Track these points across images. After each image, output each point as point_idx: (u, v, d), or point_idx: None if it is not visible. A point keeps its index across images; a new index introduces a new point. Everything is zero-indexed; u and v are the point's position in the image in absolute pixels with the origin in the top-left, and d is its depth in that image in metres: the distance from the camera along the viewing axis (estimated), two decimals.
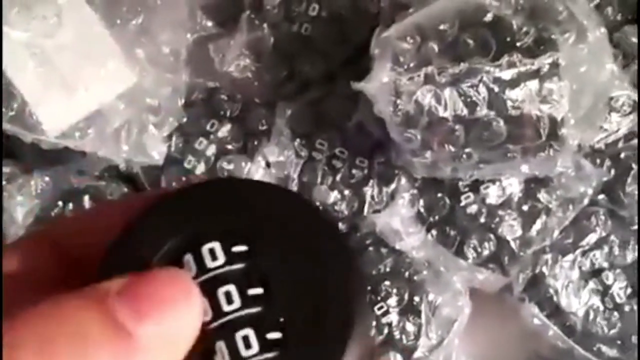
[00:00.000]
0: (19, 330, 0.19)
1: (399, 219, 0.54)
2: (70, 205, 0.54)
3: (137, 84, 0.52)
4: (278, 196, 0.24)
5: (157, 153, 0.53)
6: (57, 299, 0.20)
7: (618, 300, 0.54)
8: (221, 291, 0.22)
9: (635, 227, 0.55)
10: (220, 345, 0.22)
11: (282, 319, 0.22)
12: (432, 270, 0.54)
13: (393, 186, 0.55)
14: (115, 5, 0.53)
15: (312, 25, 0.57)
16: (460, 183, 0.54)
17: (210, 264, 0.22)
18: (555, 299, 0.54)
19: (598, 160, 0.56)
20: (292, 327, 0.22)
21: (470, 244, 0.54)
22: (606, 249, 0.55)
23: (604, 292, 0.54)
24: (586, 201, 0.54)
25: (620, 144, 0.56)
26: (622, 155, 0.56)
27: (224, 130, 0.56)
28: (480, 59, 0.47)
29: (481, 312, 0.54)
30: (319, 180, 0.55)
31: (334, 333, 0.21)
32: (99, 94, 0.51)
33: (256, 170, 0.55)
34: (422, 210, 0.55)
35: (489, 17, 0.48)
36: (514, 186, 0.54)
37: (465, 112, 0.48)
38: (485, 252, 0.54)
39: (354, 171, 0.55)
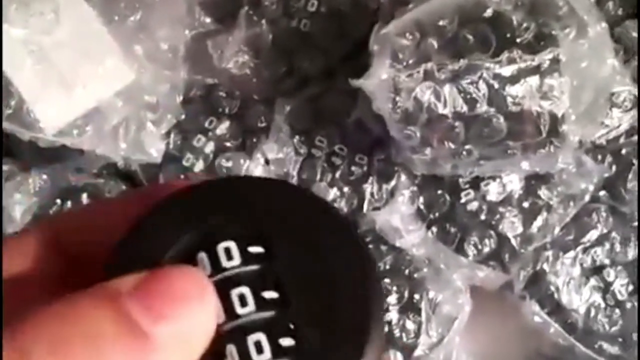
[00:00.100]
0: (30, 333, 0.18)
1: (398, 216, 0.54)
2: (69, 203, 0.54)
3: (135, 81, 0.52)
4: (296, 197, 0.23)
5: (155, 150, 0.53)
6: (69, 298, 0.19)
7: (619, 297, 0.54)
8: (235, 293, 0.21)
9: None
10: (231, 349, 0.21)
11: (295, 325, 0.21)
12: (433, 267, 0.53)
13: (393, 183, 0.55)
14: (113, 2, 0.53)
15: (311, 21, 0.57)
16: (461, 180, 0.54)
17: (225, 263, 0.22)
18: (556, 296, 0.53)
19: (599, 156, 0.55)
20: (306, 333, 0.21)
21: (470, 241, 0.54)
22: (607, 245, 0.54)
23: (605, 289, 0.54)
24: (587, 197, 0.54)
25: (622, 140, 0.56)
26: (624, 151, 0.55)
27: (223, 128, 0.56)
28: (480, 55, 0.47)
29: (482, 309, 0.54)
30: (318, 177, 0.54)
31: (350, 339, 0.21)
32: (97, 91, 0.51)
33: (255, 168, 0.54)
34: (422, 207, 0.55)
35: (488, 12, 0.48)
36: (514, 183, 0.54)
37: (465, 108, 0.48)
38: (486, 250, 0.54)
39: (353, 168, 0.55)
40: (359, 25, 0.55)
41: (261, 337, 0.21)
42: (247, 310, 0.21)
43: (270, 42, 0.57)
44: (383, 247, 0.53)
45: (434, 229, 0.54)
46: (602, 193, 0.55)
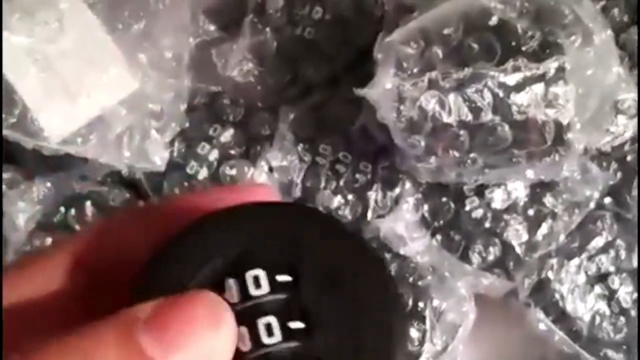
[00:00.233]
0: None
1: (403, 224, 0.54)
2: (73, 211, 0.54)
3: (139, 89, 0.52)
4: (326, 227, 0.23)
5: (159, 159, 0.53)
6: (81, 332, 0.19)
7: (624, 305, 0.54)
8: (262, 322, 0.21)
9: None
10: None
11: (319, 357, 0.21)
12: (437, 275, 0.53)
13: (397, 191, 0.55)
14: (117, 10, 0.53)
15: (316, 28, 0.56)
16: (465, 187, 0.54)
17: (253, 291, 0.22)
18: (561, 304, 0.53)
19: (604, 163, 0.55)
20: None
21: (475, 249, 0.53)
22: (612, 253, 0.54)
23: (610, 296, 0.54)
24: (592, 205, 0.54)
25: (627, 147, 0.56)
26: (629, 158, 0.55)
27: (227, 135, 0.56)
28: (485, 63, 0.47)
29: (486, 317, 0.54)
30: (322, 185, 0.54)
31: None
32: (101, 99, 0.51)
33: (259, 175, 0.54)
34: (426, 214, 0.54)
35: (493, 20, 0.48)
36: (519, 190, 0.54)
37: (469, 117, 0.47)
38: (491, 257, 0.53)
39: (357, 176, 0.55)
40: (363, 33, 0.55)
41: None
42: (273, 341, 0.21)
43: (274, 50, 0.57)
44: (387, 255, 0.53)
45: (439, 236, 0.54)
46: (607, 200, 0.55)
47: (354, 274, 0.22)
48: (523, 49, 0.47)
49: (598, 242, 0.54)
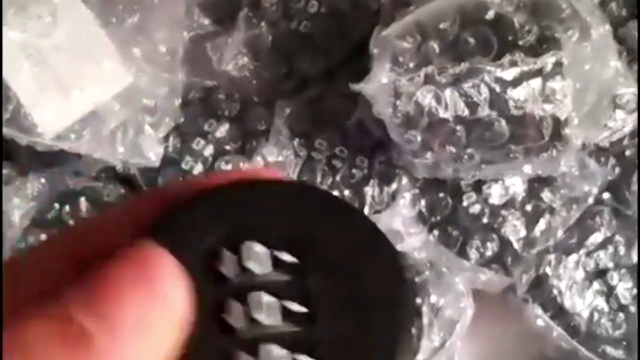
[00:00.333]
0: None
1: (400, 220, 0.53)
2: (67, 207, 0.54)
3: (133, 84, 0.52)
4: (344, 213, 0.22)
5: (153, 154, 0.52)
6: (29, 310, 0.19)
7: (623, 301, 0.53)
8: (258, 299, 0.20)
9: None
10: (244, 358, 0.20)
11: (319, 344, 0.20)
12: (434, 271, 0.53)
13: (394, 186, 0.54)
14: (110, 4, 0.53)
15: (311, 22, 0.56)
16: (463, 182, 0.54)
17: (252, 265, 0.21)
18: (559, 299, 0.53)
19: (602, 159, 0.55)
20: (329, 354, 0.20)
21: (472, 245, 0.53)
22: (611, 249, 0.54)
23: (609, 292, 0.54)
24: (591, 200, 0.54)
25: (625, 142, 0.55)
26: (627, 153, 0.55)
27: (222, 130, 0.55)
28: (482, 58, 0.47)
29: (484, 313, 0.54)
30: (318, 180, 0.54)
31: None
32: (95, 94, 0.51)
33: None
34: (423, 210, 0.54)
35: (490, 14, 0.47)
36: (517, 186, 0.53)
37: (466, 112, 0.47)
38: (488, 253, 0.53)
39: (354, 171, 0.54)
40: (359, 27, 0.55)
41: (279, 351, 0.20)
42: (270, 321, 0.20)
43: (269, 43, 0.56)
44: None
45: (436, 232, 0.54)
46: (605, 195, 0.55)
47: (367, 266, 0.21)
48: (520, 43, 0.47)
49: (596, 237, 0.54)
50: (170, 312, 0.19)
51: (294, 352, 0.20)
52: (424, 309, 0.52)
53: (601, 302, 0.53)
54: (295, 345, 0.20)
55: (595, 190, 0.53)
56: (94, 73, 0.51)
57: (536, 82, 0.47)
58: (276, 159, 0.54)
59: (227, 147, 0.55)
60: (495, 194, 0.53)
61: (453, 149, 0.48)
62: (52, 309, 0.18)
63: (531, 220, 0.53)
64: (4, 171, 0.54)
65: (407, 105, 0.47)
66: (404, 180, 0.54)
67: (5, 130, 0.50)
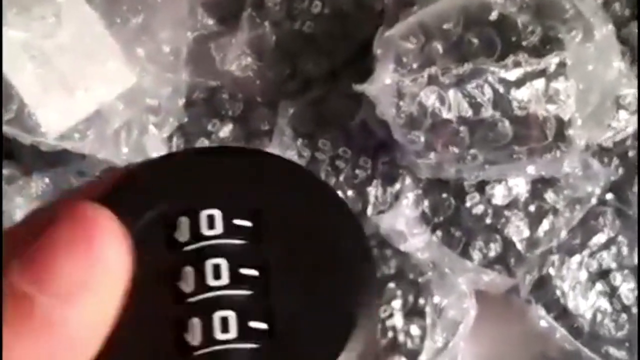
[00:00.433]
0: None
1: (403, 220, 0.53)
2: None
3: (137, 84, 0.52)
4: (292, 174, 0.22)
5: (157, 154, 0.52)
6: None
7: (626, 301, 0.53)
8: (210, 263, 0.20)
9: None
10: (195, 322, 0.19)
11: (272, 308, 0.20)
12: (437, 272, 0.53)
13: (397, 186, 0.54)
14: (114, 4, 0.53)
15: (315, 22, 0.56)
16: (466, 183, 0.54)
17: (206, 231, 0.20)
18: (562, 300, 0.53)
19: (606, 159, 0.55)
20: (282, 319, 0.19)
21: (476, 245, 0.53)
22: (614, 249, 0.54)
23: (612, 293, 0.53)
24: (594, 201, 0.54)
25: (629, 142, 0.55)
26: (631, 153, 0.55)
27: (226, 130, 0.55)
28: (485, 59, 0.47)
29: (487, 314, 0.54)
30: None
31: (332, 330, 0.19)
32: (99, 94, 0.51)
33: None
34: (426, 210, 0.54)
35: (493, 15, 0.47)
36: (520, 186, 0.53)
37: (469, 113, 0.47)
38: (491, 254, 0.53)
39: (357, 171, 0.54)
40: (363, 27, 0.55)
41: (230, 314, 0.19)
42: (219, 284, 0.20)
43: (273, 44, 0.56)
44: (387, 251, 0.53)
45: (439, 232, 0.54)
46: (608, 196, 0.55)
47: (321, 224, 0.21)
48: (523, 44, 0.47)
49: (600, 238, 0.54)
50: (112, 274, 0.19)
51: (248, 318, 0.19)
52: (427, 309, 0.52)
53: (604, 303, 0.53)
54: (249, 310, 0.20)
55: (598, 191, 0.53)
56: (97, 73, 0.51)
57: (539, 83, 0.47)
58: None
59: None
60: (499, 195, 0.53)
61: (456, 150, 0.48)
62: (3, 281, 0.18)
63: (534, 221, 0.53)
64: (8, 171, 0.54)
65: (410, 105, 0.47)
66: (407, 180, 0.54)
67: (9, 130, 0.50)
